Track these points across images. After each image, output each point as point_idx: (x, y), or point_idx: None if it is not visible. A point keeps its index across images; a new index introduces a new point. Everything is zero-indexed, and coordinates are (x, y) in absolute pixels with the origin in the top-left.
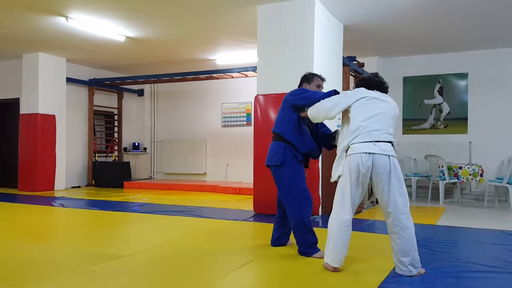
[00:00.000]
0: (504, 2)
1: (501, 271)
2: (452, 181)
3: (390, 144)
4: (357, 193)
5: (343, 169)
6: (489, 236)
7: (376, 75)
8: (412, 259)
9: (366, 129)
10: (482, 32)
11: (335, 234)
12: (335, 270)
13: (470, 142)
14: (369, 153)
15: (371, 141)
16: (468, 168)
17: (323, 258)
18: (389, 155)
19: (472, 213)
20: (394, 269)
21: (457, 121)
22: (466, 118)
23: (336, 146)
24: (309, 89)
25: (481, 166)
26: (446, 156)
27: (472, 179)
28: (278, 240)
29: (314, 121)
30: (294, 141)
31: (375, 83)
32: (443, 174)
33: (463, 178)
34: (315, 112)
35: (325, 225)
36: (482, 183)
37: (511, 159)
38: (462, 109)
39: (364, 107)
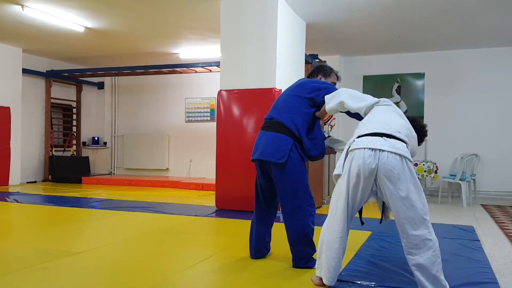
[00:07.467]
0: (458, 6)
1: (451, 264)
2: None
3: (405, 144)
4: (356, 199)
5: (343, 169)
6: (442, 231)
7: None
8: None
9: (380, 122)
10: (438, 34)
11: (327, 246)
12: (322, 285)
13: (425, 140)
14: (375, 150)
15: (382, 134)
16: (423, 165)
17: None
18: (401, 155)
19: None
20: (349, 262)
21: None
22: (423, 117)
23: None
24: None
25: (435, 163)
26: None
27: (427, 175)
28: (260, 252)
29: (330, 106)
30: (305, 141)
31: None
32: None
33: (419, 174)
34: (346, 96)
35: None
36: (436, 179)
37: (463, 157)
38: (418, 108)
39: (383, 110)
